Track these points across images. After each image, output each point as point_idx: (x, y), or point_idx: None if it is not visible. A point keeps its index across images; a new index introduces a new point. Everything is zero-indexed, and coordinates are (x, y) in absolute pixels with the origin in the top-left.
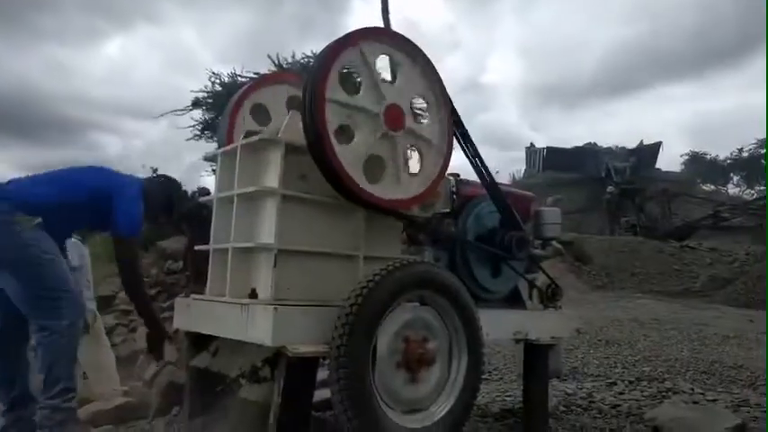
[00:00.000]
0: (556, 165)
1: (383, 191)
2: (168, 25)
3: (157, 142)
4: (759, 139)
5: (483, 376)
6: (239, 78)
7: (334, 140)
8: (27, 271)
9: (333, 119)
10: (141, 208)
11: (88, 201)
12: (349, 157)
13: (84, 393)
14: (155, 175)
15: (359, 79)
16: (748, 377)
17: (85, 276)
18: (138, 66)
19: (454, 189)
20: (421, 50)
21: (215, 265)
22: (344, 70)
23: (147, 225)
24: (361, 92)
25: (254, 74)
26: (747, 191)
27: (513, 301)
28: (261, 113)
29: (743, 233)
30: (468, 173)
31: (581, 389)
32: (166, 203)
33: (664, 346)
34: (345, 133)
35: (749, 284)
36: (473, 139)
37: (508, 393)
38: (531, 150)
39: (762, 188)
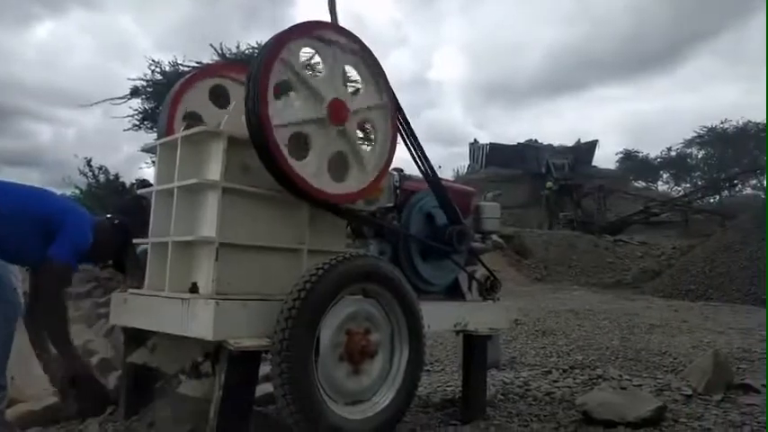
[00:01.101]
0: (498, 161)
1: (342, 186)
2: (103, 10)
3: (92, 131)
4: (686, 139)
5: (424, 367)
6: (180, 67)
7: (289, 157)
8: None
9: (283, 138)
10: (88, 243)
11: (31, 221)
12: (310, 165)
13: (13, 394)
14: (109, 216)
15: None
16: (671, 363)
17: (14, 273)
18: (71, 51)
19: (398, 183)
20: (336, 26)
21: (154, 260)
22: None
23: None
24: (299, 101)
25: (197, 63)
26: (675, 188)
27: (454, 293)
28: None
29: (670, 228)
30: (412, 168)
31: (518, 378)
32: (116, 251)
33: (596, 335)
34: (300, 142)
35: (675, 276)
36: (417, 135)
37: (449, 384)
38: (474, 146)
39: (687, 186)
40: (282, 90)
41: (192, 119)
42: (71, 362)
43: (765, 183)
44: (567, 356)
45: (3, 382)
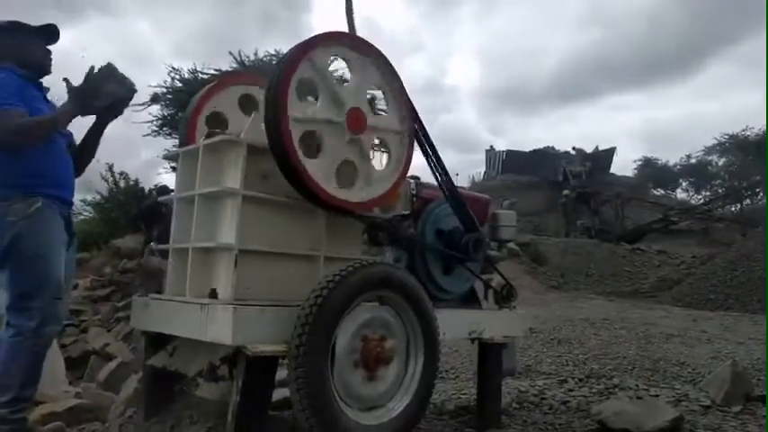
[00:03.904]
0: (515, 168)
1: (346, 193)
2: (122, 16)
3: (110, 136)
4: (706, 147)
5: (439, 374)
6: (200, 75)
7: (300, 153)
8: (11, 263)
9: (297, 133)
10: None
11: None
12: (319, 166)
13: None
14: None
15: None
16: (689, 374)
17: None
18: (91, 58)
19: (414, 191)
20: (372, 45)
21: (175, 265)
22: (305, 76)
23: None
24: (319, 102)
25: (216, 70)
26: (695, 196)
27: (469, 301)
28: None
29: (689, 236)
30: (429, 176)
31: (533, 386)
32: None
33: (612, 344)
34: (312, 142)
35: (694, 286)
36: (433, 141)
37: (464, 391)
38: (490, 153)
39: (708, 194)
40: (307, 93)
41: (218, 121)
42: (65, 113)
43: (765, 186)
44: (582, 365)
45: (26, 394)
